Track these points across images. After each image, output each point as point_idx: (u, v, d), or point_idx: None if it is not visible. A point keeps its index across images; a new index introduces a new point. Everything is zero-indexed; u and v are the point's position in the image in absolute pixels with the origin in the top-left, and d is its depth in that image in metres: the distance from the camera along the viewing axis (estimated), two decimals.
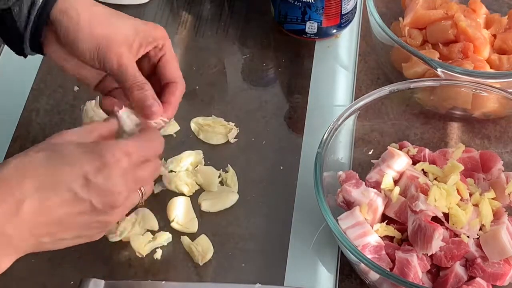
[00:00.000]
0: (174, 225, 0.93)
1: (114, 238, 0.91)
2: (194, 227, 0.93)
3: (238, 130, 1.02)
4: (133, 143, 0.75)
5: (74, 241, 0.76)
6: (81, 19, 0.83)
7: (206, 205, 0.95)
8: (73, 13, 0.84)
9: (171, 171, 0.98)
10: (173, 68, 0.87)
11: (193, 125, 1.03)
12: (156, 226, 0.93)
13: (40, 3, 0.84)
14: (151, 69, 0.88)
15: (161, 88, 0.86)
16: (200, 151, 1.00)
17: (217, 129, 1.02)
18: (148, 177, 0.77)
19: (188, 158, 0.99)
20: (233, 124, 1.03)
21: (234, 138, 1.02)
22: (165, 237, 0.92)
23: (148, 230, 0.93)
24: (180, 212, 0.94)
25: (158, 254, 0.91)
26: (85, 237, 0.76)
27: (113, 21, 0.85)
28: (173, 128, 1.03)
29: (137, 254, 0.91)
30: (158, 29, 0.87)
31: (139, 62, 0.86)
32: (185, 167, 0.98)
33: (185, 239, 0.92)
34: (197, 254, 0.91)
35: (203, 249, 0.91)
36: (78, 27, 0.83)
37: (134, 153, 0.74)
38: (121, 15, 0.86)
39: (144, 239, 0.92)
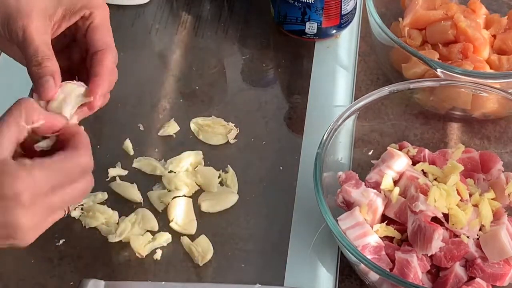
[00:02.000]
0: (173, 225, 0.93)
1: (114, 239, 0.92)
2: (192, 228, 0.93)
3: (238, 131, 1.02)
4: (41, 169, 0.66)
5: None
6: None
7: (206, 206, 0.95)
8: None
9: (171, 171, 0.98)
10: (99, 35, 0.78)
11: (192, 126, 1.03)
12: (156, 227, 0.93)
13: None
14: (84, 42, 0.79)
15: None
16: (200, 152, 1.00)
17: (216, 130, 1.02)
18: (66, 202, 0.68)
19: (188, 159, 0.99)
20: (233, 124, 1.03)
21: (234, 139, 1.02)
22: (165, 238, 0.92)
23: (147, 231, 0.93)
24: (180, 213, 0.94)
25: (158, 255, 0.91)
26: None
27: None
28: (173, 128, 1.03)
29: (137, 254, 0.91)
30: None
31: (67, 35, 0.79)
32: (185, 168, 0.98)
33: (185, 240, 0.92)
34: (197, 255, 0.91)
35: (203, 249, 0.91)
36: None
37: (41, 182, 0.65)
38: None
39: (144, 240, 0.92)
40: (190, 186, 0.96)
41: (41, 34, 0.75)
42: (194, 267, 0.91)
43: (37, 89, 0.74)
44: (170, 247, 0.92)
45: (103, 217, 0.93)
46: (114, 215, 0.94)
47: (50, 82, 0.74)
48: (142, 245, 0.91)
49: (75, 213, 0.94)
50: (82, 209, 0.94)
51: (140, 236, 0.92)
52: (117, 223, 0.93)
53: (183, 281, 0.90)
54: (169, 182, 0.96)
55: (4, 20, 0.76)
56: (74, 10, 0.78)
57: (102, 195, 0.95)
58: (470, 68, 1.01)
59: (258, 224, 0.94)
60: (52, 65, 0.75)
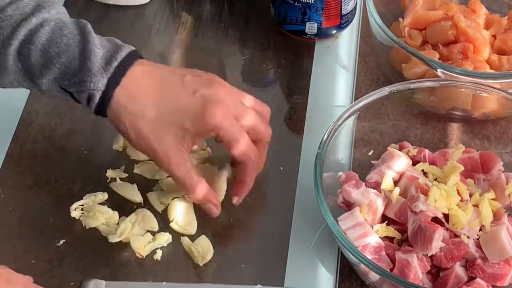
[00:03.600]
0: (173, 225, 0.93)
1: (114, 239, 0.91)
2: (193, 229, 0.93)
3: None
4: None
5: None
6: (130, 134, 0.87)
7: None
8: (122, 127, 0.87)
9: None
10: (234, 150, 0.88)
11: None
12: (156, 227, 0.93)
13: (95, 105, 0.87)
14: None
15: None
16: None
17: None
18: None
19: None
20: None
21: None
22: (165, 238, 0.92)
23: (148, 231, 0.93)
24: (180, 213, 0.94)
25: (158, 255, 0.91)
26: None
27: (158, 133, 0.86)
28: None
29: (137, 254, 0.91)
30: (208, 119, 0.86)
31: None
32: None
33: (185, 240, 0.92)
34: (197, 255, 0.91)
35: (203, 249, 0.91)
36: (129, 138, 0.88)
37: None
38: (167, 117, 0.86)
39: (144, 240, 0.92)
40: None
41: (181, 165, 0.88)
42: (194, 267, 0.91)
43: (207, 210, 0.92)
44: (170, 247, 0.92)
45: (103, 218, 0.93)
46: (114, 215, 0.94)
47: (212, 209, 0.91)
48: (142, 245, 0.91)
49: (75, 214, 0.94)
50: (82, 209, 0.94)
51: (140, 237, 0.92)
52: (117, 223, 0.93)
53: (183, 281, 0.90)
54: (168, 186, 0.96)
55: (147, 156, 0.91)
56: (202, 133, 0.88)
57: (102, 195, 0.95)
58: (470, 68, 1.01)
59: (258, 224, 0.94)
60: (203, 187, 0.89)
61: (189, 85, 0.87)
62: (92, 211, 0.94)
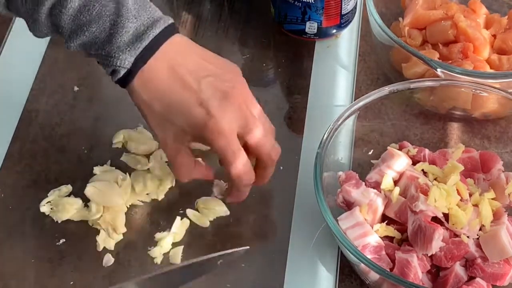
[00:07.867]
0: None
1: (94, 216, 0.92)
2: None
3: None
4: None
5: None
6: (142, 113, 0.85)
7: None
8: (137, 105, 0.85)
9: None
10: (228, 171, 0.86)
11: None
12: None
13: (117, 79, 0.84)
14: None
15: None
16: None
17: None
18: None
19: None
20: None
21: None
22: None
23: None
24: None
25: (158, 258, 0.91)
26: None
27: (162, 128, 0.85)
28: None
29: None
30: (206, 133, 0.83)
31: None
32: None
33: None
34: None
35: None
36: (142, 115, 0.86)
37: None
38: (171, 116, 0.84)
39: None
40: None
41: (175, 154, 0.88)
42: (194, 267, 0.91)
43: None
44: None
45: (73, 208, 0.93)
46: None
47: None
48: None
49: (45, 209, 0.94)
50: (51, 206, 0.94)
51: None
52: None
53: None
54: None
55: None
56: (201, 141, 0.87)
57: (67, 188, 0.96)
58: (470, 68, 1.01)
59: (258, 224, 0.94)
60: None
61: (201, 92, 0.83)
62: (61, 205, 0.94)
